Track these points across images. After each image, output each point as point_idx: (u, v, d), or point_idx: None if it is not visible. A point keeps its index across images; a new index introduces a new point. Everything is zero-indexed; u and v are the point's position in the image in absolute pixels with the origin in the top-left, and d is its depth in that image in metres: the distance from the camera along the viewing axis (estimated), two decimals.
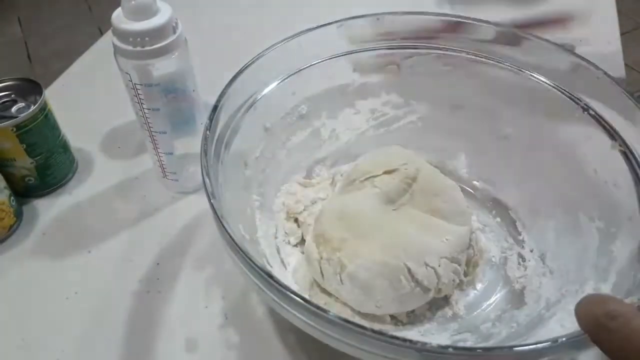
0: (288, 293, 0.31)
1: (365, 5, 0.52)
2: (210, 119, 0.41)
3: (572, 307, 0.28)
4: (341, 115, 0.52)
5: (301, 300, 0.31)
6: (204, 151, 0.39)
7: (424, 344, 0.29)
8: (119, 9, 0.43)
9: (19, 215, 0.52)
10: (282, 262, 0.46)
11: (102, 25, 1.90)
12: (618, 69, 0.62)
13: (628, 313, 0.24)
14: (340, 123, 0.52)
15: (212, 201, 0.36)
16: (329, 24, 0.48)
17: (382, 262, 0.40)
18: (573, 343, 0.29)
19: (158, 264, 0.48)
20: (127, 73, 0.45)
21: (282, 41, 0.47)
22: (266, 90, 0.47)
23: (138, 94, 0.46)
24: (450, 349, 0.29)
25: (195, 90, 0.49)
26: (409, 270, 0.40)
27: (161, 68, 0.44)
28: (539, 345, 0.29)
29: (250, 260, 0.33)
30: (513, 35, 0.48)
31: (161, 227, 0.51)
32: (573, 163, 0.45)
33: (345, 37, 0.49)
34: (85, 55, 0.73)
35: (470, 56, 0.49)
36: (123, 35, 0.43)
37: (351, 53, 0.50)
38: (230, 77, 0.43)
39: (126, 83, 0.46)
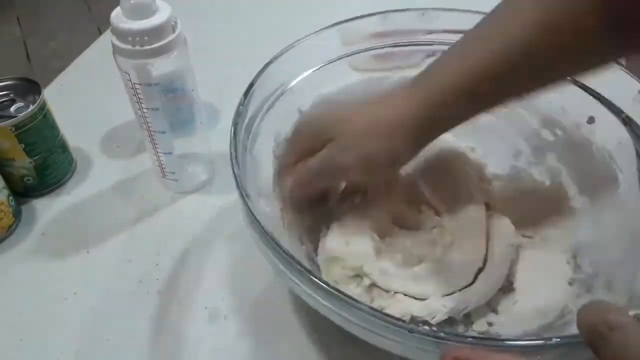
0: (292, 261, 0.33)
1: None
2: (245, 95, 0.42)
3: None
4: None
5: (296, 264, 0.32)
6: (235, 124, 0.40)
7: (417, 324, 0.30)
8: (118, 8, 0.43)
9: (17, 215, 0.51)
10: (300, 239, 0.45)
11: (101, 25, 1.90)
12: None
13: (627, 324, 0.24)
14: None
15: (235, 169, 0.38)
16: (370, 15, 0.49)
17: None
18: (566, 345, 0.29)
19: (157, 264, 0.48)
20: (126, 72, 0.45)
21: (324, 28, 0.48)
22: (304, 75, 0.48)
23: (137, 94, 0.46)
24: (442, 334, 0.30)
25: (195, 89, 0.48)
26: None
27: (160, 67, 0.44)
28: (529, 342, 0.30)
29: (263, 228, 0.34)
30: None
31: (160, 228, 0.51)
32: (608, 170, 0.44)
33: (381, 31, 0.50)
34: (84, 55, 0.72)
35: None
36: (122, 35, 0.43)
37: (395, 46, 0.51)
38: (269, 59, 0.45)
39: (125, 82, 0.46)
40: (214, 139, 0.54)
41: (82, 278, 0.47)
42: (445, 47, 0.48)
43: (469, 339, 0.31)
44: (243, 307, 0.45)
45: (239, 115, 0.41)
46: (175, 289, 0.46)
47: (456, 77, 0.37)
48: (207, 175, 0.55)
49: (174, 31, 0.44)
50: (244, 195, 0.36)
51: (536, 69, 0.36)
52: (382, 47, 0.51)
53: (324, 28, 0.49)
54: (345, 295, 0.31)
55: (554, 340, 0.29)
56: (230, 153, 0.39)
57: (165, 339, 0.43)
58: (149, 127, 0.48)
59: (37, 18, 2.07)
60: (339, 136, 0.39)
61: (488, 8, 0.43)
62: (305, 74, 0.48)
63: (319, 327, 0.43)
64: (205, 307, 0.45)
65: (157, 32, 0.43)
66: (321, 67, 0.49)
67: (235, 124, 0.41)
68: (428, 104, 0.37)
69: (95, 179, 0.56)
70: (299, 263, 0.33)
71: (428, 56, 0.51)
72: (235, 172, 0.38)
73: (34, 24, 2.05)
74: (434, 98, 0.37)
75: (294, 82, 0.47)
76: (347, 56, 0.50)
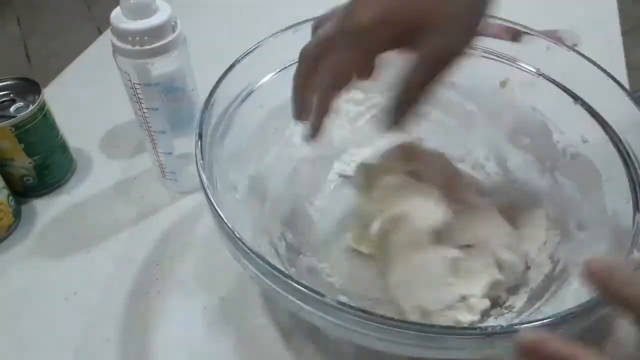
0: (251, 253, 0.33)
1: None
2: (206, 102, 0.42)
3: None
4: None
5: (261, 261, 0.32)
6: (199, 133, 0.39)
7: (386, 317, 0.30)
8: (118, 8, 0.43)
9: (17, 215, 0.51)
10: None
11: (101, 25, 1.90)
12: (619, 68, 0.62)
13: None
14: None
15: (201, 172, 0.37)
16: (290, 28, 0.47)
17: None
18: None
19: (157, 264, 0.48)
20: (126, 72, 0.45)
21: (284, 29, 0.47)
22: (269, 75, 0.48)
23: (137, 94, 0.46)
24: (409, 324, 0.30)
25: (195, 89, 0.48)
26: None
27: (160, 67, 0.44)
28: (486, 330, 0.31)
29: (235, 234, 0.34)
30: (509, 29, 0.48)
31: (160, 228, 0.51)
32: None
33: None
34: (84, 55, 0.72)
35: None
36: (122, 35, 0.43)
37: None
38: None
39: (125, 82, 0.46)
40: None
41: (82, 278, 0.47)
42: None
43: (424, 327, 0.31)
44: (244, 307, 0.45)
45: (202, 123, 0.40)
46: (175, 290, 0.46)
47: None
48: None
49: (174, 31, 0.44)
50: (213, 203, 0.36)
51: None
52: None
53: (284, 29, 0.48)
54: (307, 287, 0.31)
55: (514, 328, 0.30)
56: (196, 159, 0.38)
57: (165, 338, 0.43)
58: (149, 127, 0.48)
59: (36, 18, 2.07)
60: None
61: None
62: (270, 75, 0.48)
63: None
64: (205, 307, 0.45)
65: (157, 31, 0.43)
66: (286, 67, 0.48)
67: (200, 133, 0.40)
68: None
69: (95, 179, 0.56)
70: (270, 263, 0.33)
71: None
72: (201, 175, 0.37)
73: (33, 23, 2.05)
74: None
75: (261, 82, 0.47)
76: None
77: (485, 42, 0.48)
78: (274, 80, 0.47)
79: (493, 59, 0.49)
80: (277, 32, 0.47)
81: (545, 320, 0.30)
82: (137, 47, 0.43)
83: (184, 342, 0.43)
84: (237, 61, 0.45)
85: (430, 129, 0.50)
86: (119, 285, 0.47)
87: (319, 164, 0.52)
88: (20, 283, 0.47)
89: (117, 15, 0.43)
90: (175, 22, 0.44)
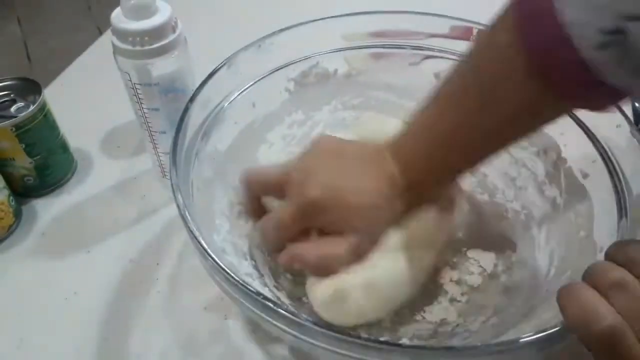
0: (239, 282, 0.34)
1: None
2: (182, 117, 0.42)
3: None
4: (259, 154, 0.50)
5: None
6: (173, 152, 0.40)
7: (360, 336, 0.30)
8: (119, 8, 0.43)
9: (18, 215, 0.51)
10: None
11: (102, 25, 1.90)
12: None
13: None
14: (261, 164, 0.50)
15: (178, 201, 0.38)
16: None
17: None
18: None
19: (157, 264, 0.48)
20: (126, 72, 0.45)
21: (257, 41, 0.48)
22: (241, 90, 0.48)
23: (137, 94, 0.46)
24: (399, 346, 0.32)
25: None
26: None
27: (160, 67, 0.44)
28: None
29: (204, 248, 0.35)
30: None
31: (161, 227, 0.51)
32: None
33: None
34: (85, 55, 0.72)
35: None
36: (122, 35, 0.43)
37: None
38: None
39: (125, 83, 0.46)
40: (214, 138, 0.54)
41: (82, 278, 0.47)
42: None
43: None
44: None
45: (176, 144, 0.40)
46: (176, 289, 0.46)
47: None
48: None
49: (174, 31, 0.44)
50: (191, 228, 0.37)
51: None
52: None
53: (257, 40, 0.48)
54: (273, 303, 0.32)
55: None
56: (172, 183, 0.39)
57: (166, 339, 0.43)
58: (149, 127, 0.48)
59: (37, 18, 2.07)
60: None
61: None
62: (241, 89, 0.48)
63: None
64: (205, 308, 0.45)
65: (158, 32, 0.43)
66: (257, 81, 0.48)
67: (174, 152, 0.40)
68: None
69: (96, 179, 0.56)
70: (250, 288, 0.33)
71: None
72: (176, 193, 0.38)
73: (34, 24, 2.05)
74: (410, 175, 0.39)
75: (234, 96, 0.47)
76: (283, 67, 0.50)
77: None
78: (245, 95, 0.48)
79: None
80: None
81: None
82: (138, 48, 0.43)
83: (183, 342, 0.43)
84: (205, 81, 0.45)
85: None
86: (119, 285, 0.47)
87: None
88: (21, 283, 0.47)
89: (117, 15, 0.43)
90: (176, 23, 0.44)
